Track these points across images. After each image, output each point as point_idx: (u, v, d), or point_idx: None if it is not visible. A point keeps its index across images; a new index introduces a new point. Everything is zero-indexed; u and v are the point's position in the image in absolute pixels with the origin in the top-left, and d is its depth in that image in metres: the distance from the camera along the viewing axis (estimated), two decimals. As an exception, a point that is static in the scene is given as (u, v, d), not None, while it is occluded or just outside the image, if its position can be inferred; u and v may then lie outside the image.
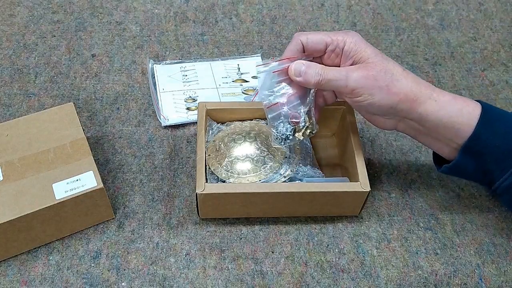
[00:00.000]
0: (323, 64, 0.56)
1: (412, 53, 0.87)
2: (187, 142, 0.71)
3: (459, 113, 0.53)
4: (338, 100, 0.61)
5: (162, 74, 0.79)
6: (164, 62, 0.81)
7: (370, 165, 0.70)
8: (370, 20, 0.92)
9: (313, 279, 0.58)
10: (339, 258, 0.60)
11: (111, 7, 0.91)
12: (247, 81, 0.79)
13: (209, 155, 0.63)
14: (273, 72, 0.56)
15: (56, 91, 0.77)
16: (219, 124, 0.67)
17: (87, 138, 0.61)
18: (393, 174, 0.69)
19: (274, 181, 0.60)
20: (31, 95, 0.76)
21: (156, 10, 0.91)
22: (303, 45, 0.55)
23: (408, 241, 0.62)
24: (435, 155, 0.60)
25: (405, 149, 0.72)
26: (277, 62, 0.56)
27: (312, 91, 0.57)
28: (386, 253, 0.61)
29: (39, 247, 0.59)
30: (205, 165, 0.60)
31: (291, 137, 0.59)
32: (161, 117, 0.73)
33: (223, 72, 0.81)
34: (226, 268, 0.59)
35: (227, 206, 0.60)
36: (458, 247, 0.62)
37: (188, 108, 0.75)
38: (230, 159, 0.62)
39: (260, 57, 0.83)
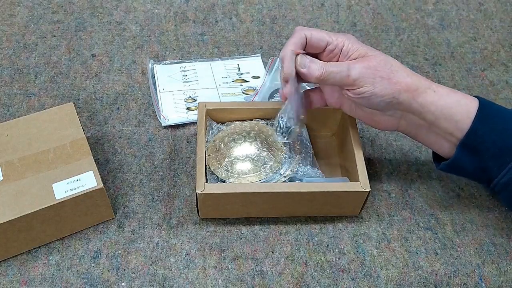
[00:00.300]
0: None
1: (412, 53, 0.87)
2: (187, 142, 0.71)
3: (458, 104, 0.54)
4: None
5: (162, 74, 0.79)
6: (164, 62, 0.81)
7: (370, 165, 0.70)
8: (370, 20, 0.92)
9: (313, 279, 0.58)
10: (339, 258, 0.60)
11: (111, 7, 0.91)
12: (247, 81, 0.79)
13: (209, 155, 0.63)
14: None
15: (56, 91, 0.77)
16: (219, 124, 0.68)
17: (87, 138, 0.61)
18: (393, 174, 0.69)
19: (274, 181, 0.60)
20: (31, 95, 0.76)
21: (156, 10, 0.91)
22: (306, 39, 0.56)
23: (408, 241, 0.62)
24: (435, 152, 0.60)
25: (405, 149, 0.72)
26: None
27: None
28: (386, 253, 0.61)
29: (39, 247, 0.59)
30: (205, 165, 0.60)
31: (292, 129, 0.60)
32: (161, 117, 0.73)
33: (223, 72, 0.81)
34: (226, 268, 0.59)
35: (227, 206, 0.60)
36: (458, 247, 0.62)
37: (188, 108, 0.75)
38: (230, 159, 0.62)
39: (260, 57, 0.83)
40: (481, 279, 0.59)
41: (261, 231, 0.62)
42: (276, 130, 0.61)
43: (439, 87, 0.55)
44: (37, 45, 0.83)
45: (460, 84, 0.82)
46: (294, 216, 0.63)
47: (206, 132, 0.65)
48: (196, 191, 0.56)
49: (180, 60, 0.82)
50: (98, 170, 0.58)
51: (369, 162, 0.70)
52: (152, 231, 0.62)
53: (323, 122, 0.69)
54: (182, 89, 0.78)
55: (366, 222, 0.64)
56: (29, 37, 0.84)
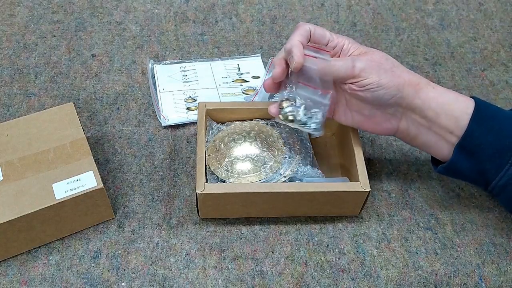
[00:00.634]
0: None
1: (412, 53, 0.87)
2: (187, 142, 0.71)
3: (456, 100, 0.55)
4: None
5: (162, 74, 0.79)
6: (164, 62, 0.81)
7: (370, 165, 0.70)
8: (370, 20, 0.92)
9: (313, 279, 0.58)
10: (339, 258, 0.60)
11: (111, 7, 0.91)
12: (247, 81, 0.79)
13: (209, 155, 0.63)
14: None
15: (56, 91, 0.77)
16: (219, 124, 0.68)
17: (87, 138, 0.61)
18: (393, 174, 0.69)
19: (274, 181, 0.60)
20: (31, 95, 0.76)
21: (156, 10, 0.91)
22: (310, 33, 0.56)
23: (408, 241, 0.62)
24: (433, 158, 0.60)
25: (405, 149, 0.72)
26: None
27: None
28: (386, 253, 0.61)
29: (39, 247, 0.59)
30: (205, 165, 0.60)
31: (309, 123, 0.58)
32: (161, 117, 0.73)
33: (223, 72, 0.81)
34: (226, 268, 0.59)
35: (227, 206, 0.60)
36: (458, 247, 0.62)
37: (188, 108, 0.75)
38: (230, 159, 0.62)
39: (260, 57, 0.83)
40: (481, 279, 0.59)
41: (261, 231, 0.62)
42: (311, 125, 0.58)
43: (436, 85, 0.56)
44: (37, 45, 0.83)
45: (460, 84, 0.82)
46: (294, 216, 0.63)
47: (206, 132, 0.65)
48: (196, 191, 0.57)
49: (180, 60, 0.82)
50: (98, 170, 0.58)
51: (369, 162, 0.70)
52: (152, 231, 0.62)
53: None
54: (182, 89, 0.78)
55: (366, 222, 0.64)
56: (29, 37, 0.84)
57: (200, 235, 0.61)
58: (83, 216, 0.59)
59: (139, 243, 0.60)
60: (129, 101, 0.76)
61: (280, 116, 0.58)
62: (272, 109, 0.59)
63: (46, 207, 0.54)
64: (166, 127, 0.73)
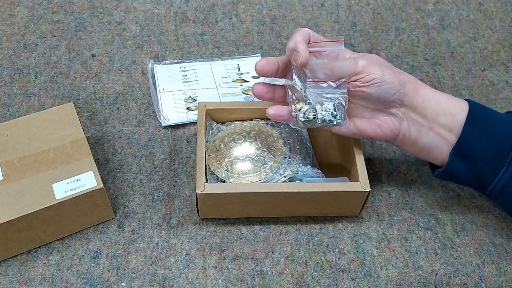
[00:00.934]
0: None
1: (412, 53, 0.87)
2: (187, 142, 0.71)
3: (450, 99, 0.56)
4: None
5: (162, 74, 0.79)
6: (164, 62, 0.81)
7: (370, 165, 0.70)
8: (370, 20, 0.92)
9: (313, 279, 0.58)
10: (339, 258, 0.60)
11: (111, 7, 0.91)
12: (247, 81, 0.79)
13: (209, 155, 0.63)
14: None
15: (56, 91, 0.77)
16: (219, 124, 0.68)
17: (87, 138, 0.61)
18: (393, 174, 0.69)
19: (274, 181, 0.60)
20: (31, 95, 0.76)
21: (156, 10, 0.91)
22: (309, 36, 0.56)
23: (408, 241, 0.62)
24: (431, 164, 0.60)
25: (405, 149, 0.72)
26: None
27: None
28: (386, 253, 0.61)
29: (39, 247, 0.59)
30: (205, 165, 0.60)
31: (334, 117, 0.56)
32: (161, 117, 0.73)
33: (223, 72, 0.81)
34: (226, 268, 0.59)
35: (227, 206, 0.60)
36: (458, 247, 0.62)
37: (188, 108, 0.75)
38: (230, 159, 0.62)
39: (260, 57, 0.83)
40: (481, 279, 0.59)
41: (261, 231, 0.62)
42: (327, 117, 0.56)
43: (430, 87, 0.57)
44: (37, 45, 0.83)
45: (460, 84, 0.82)
46: (294, 216, 0.63)
47: (206, 132, 0.65)
48: (196, 191, 0.57)
49: (180, 60, 0.82)
50: (98, 170, 0.58)
51: (369, 162, 0.70)
52: (152, 231, 0.62)
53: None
54: (182, 89, 0.78)
55: (366, 222, 0.64)
56: (29, 37, 0.84)
57: (200, 235, 0.61)
58: (83, 216, 0.59)
59: (139, 243, 0.60)
60: (129, 101, 0.76)
61: (300, 117, 0.55)
62: (280, 112, 0.57)
63: (46, 207, 0.54)
64: (166, 127, 0.73)
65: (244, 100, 0.76)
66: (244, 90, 0.78)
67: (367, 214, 0.64)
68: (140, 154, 0.70)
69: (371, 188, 0.58)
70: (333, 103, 0.55)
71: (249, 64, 0.82)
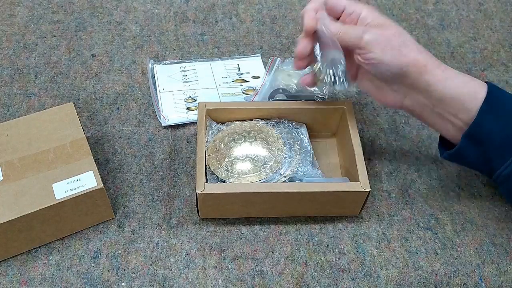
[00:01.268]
0: None
1: (412, 53, 0.87)
2: (187, 142, 0.71)
3: (465, 85, 0.54)
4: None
5: (162, 74, 0.79)
6: (164, 62, 0.81)
7: (370, 165, 0.70)
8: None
9: (313, 279, 0.58)
10: (339, 258, 0.60)
11: (111, 7, 0.91)
12: (247, 81, 0.79)
13: (209, 155, 0.63)
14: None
15: (56, 91, 0.77)
16: (219, 124, 0.68)
17: (87, 138, 0.61)
18: (393, 174, 0.69)
19: (274, 181, 0.60)
20: (31, 95, 0.76)
21: (156, 10, 0.91)
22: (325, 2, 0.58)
23: (408, 241, 0.62)
24: (441, 140, 0.60)
25: (405, 149, 0.72)
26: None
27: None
28: (386, 253, 0.61)
29: (39, 247, 0.59)
30: (205, 165, 0.60)
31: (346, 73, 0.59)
32: (161, 117, 0.73)
33: (223, 72, 0.81)
34: (226, 268, 0.59)
35: (227, 206, 0.60)
36: (458, 247, 0.62)
37: (188, 108, 0.75)
38: (230, 159, 0.62)
39: (260, 57, 0.83)
40: (481, 279, 0.59)
41: (261, 231, 0.62)
42: (331, 82, 0.59)
43: (448, 68, 0.55)
44: (37, 45, 0.83)
45: (460, 84, 0.82)
46: (294, 216, 0.63)
47: (206, 132, 0.65)
48: (196, 191, 0.57)
49: (180, 60, 0.82)
50: (98, 170, 0.58)
51: (369, 162, 0.70)
52: (152, 231, 0.62)
53: (323, 122, 0.69)
54: (182, 89, 0.78)
55: (366, 222, 0.64)
56: (29, 37, 0.84)
57: (200, 235, 0.61)
58: (83, 216, 0.59)
59: (139, 243, 0.60)
60: (129, 101, 0.76)
61: (320, 76, 0.59)
62: (307, 79, 0.62)
63: (46, 207, 0.54)
64: (166, 127, 0.73)
65: (244, 100, 0.76)
66: (244, 90, 0.78)
67: (367, 214, 0.64)
68: (140, 154, 0.70)
69: (371, 188, 0.58)
70: (341, 67, 0.58)
71: (249, 64, 0.82)
